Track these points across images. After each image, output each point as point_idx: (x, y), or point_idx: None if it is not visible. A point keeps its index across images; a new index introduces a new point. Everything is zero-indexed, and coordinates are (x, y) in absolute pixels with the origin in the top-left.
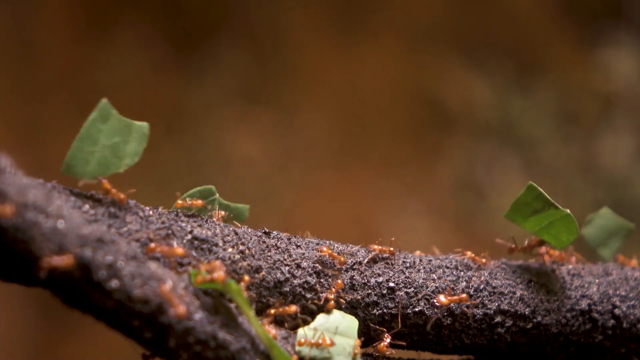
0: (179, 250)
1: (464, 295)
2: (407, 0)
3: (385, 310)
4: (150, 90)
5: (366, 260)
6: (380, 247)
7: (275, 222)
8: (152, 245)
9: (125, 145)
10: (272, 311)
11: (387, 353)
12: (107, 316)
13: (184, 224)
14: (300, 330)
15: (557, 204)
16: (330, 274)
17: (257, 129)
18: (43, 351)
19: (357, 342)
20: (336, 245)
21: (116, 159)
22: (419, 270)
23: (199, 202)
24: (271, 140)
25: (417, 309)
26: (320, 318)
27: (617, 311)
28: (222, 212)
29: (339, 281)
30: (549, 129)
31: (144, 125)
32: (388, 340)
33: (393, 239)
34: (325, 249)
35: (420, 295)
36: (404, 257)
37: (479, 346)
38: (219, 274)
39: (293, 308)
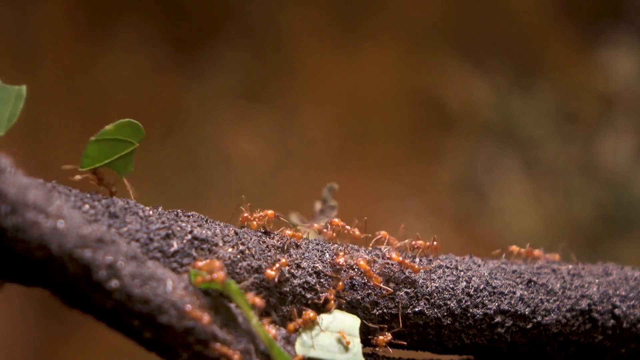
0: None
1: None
2: (407, 0)
3: (385, 310)
4: (150, 90)
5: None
6: (424, 242)
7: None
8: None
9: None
10: (291, 326)
11: (384, 349)
12: (107, 316)
13: (184, 224)
14: (301, 331)
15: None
16: (329, 274)
17: (257, 129)
18: (43, 351)
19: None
20: (336, 245)
21: None
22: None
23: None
24: (271, 140)
25: (417, 309)
26: (321, 318)
27: (617, 311)
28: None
29: (340, 282)
30: (549, 129)
31: (21, 88)
32: (389, 338)
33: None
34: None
35: (420, 295)
36: (404, 257)
37: (479, 346)
38: (219, 274)
39: (311, 315)
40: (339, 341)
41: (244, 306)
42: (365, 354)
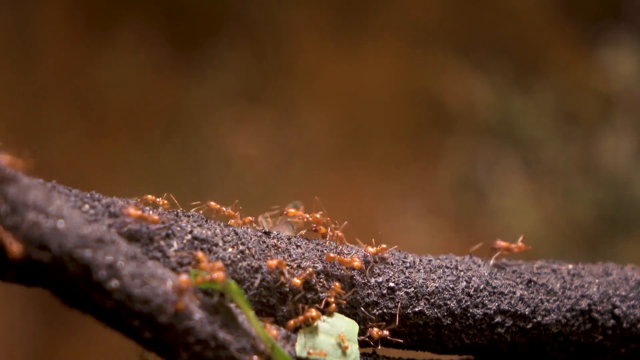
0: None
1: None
2: (407, 0)
3: (385, 310)
4: (150, 90)
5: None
6: (507, 244)
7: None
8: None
9: None
10: (292, 323)
11: (381, 347)
12: (107, 316)
13: (184, 224)
14: (301, 332)
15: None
16: (330, 273)
17: (257, 129)
18: (43, 351)
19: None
20: (336, 245)
21: None
22: (419, 270)
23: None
24: (271, 140)
25: (417, 309)
26: (321, 320)
27: (617, 311)
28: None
29: (337, 283)
30: (549, 129)
31: None
32: (385, 334)
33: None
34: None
35: (420, 295)
36: (404, 257)
37: (479, 346)
38: (219, 274)
39: (313, 313)
40: (339, 345)
41: (244, 306)
42: (365, 354)
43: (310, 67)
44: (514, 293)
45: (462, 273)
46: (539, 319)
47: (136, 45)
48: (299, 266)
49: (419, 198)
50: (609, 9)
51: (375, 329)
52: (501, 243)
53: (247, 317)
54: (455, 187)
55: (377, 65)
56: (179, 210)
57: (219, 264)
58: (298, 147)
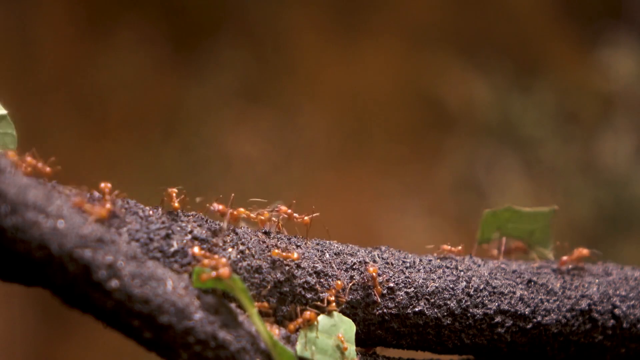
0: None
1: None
2: (407, 0)
3: (385, 310)
4: (150, 90)
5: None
6: (450, 248)
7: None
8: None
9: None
10: (292, 326)
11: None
12: (107, 316)
13: (184, 224)
14: (302, 332)
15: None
16: (330, 273)
17: (257, 129)
18: (43, 351)
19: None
20: (336, 245)
21: None
22: (419, 270)
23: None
24: (271, 140)
25: (417, 309)
26: (321, 320)
27: (617, 311)
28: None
29: (338, 282)
30: (549, 129)
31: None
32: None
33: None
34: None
35: (420, 295)
36: (404, 257)
37: (479, 346)
38: (224, 269)
39: (311, 314)
40: (337, 346)
41: (247, 304)
42: (364, 354)
43: (310, 67)
44: (514, 293)
45: (462, 273)
46: (539, 319)
47: (136, 45)
48: (298, 266)
49: (419, 198)
50: (609, 9)
51: (379, 287)
52: (282, 207)
53: (249, 314)
54: (455, 187)
55: (377, 65)
56: (179, 210)
57: (224, 259)
58: (298, 147)
